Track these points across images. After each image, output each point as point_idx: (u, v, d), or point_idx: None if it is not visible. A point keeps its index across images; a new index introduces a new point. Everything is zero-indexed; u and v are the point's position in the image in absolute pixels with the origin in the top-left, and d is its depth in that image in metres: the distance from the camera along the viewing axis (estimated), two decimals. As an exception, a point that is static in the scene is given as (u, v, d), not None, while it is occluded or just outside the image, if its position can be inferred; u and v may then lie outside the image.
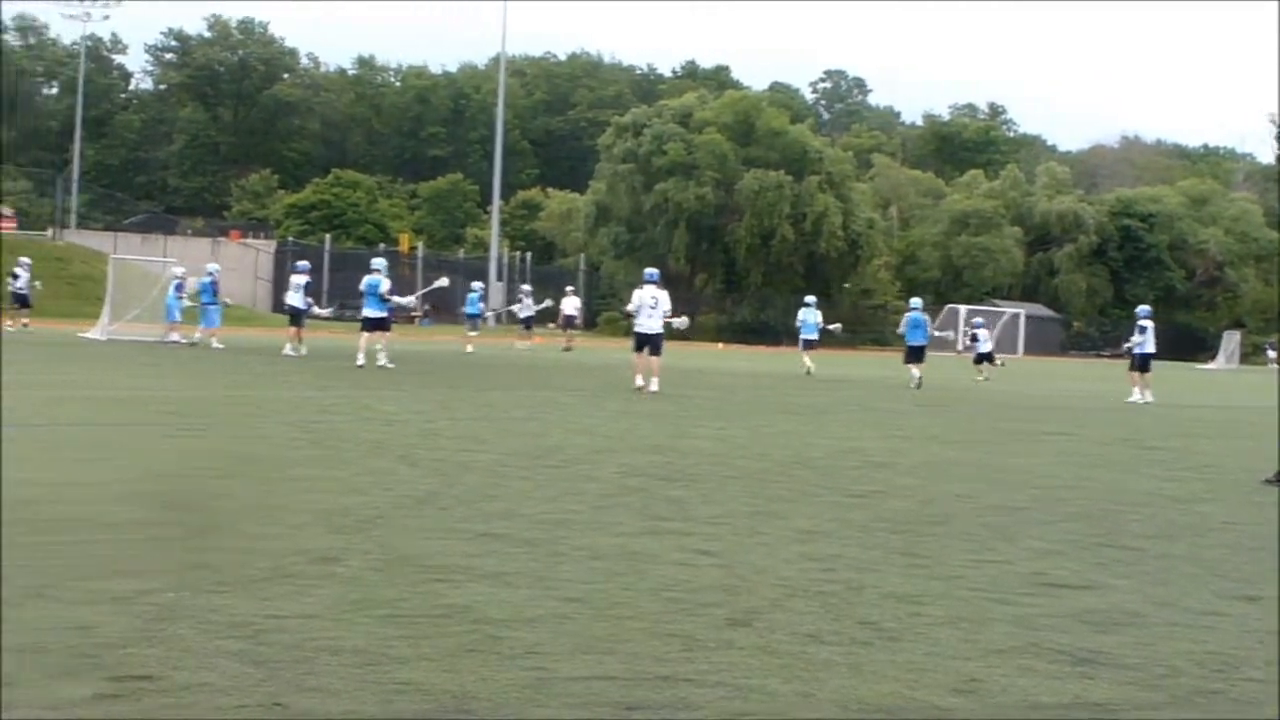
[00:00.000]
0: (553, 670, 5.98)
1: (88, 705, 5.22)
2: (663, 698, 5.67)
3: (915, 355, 36.39)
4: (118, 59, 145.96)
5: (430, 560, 8.33)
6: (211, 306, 40.14)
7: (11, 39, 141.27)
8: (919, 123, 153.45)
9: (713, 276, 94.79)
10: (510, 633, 6.61)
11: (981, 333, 44.97)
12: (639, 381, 27.33)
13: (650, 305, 27.84)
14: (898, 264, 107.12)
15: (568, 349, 51.10)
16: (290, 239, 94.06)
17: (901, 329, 37.16)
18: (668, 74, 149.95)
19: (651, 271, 29.45)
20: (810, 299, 42.47)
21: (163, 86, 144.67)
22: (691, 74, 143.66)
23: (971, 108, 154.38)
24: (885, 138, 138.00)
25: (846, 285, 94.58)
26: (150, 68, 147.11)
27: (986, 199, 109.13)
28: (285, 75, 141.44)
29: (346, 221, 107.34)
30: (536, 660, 6.13)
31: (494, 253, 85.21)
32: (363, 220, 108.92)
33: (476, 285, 50.47)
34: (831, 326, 44.52)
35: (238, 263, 79.02)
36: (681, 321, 30.23)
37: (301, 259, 43.88)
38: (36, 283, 49.49)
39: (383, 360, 31.06)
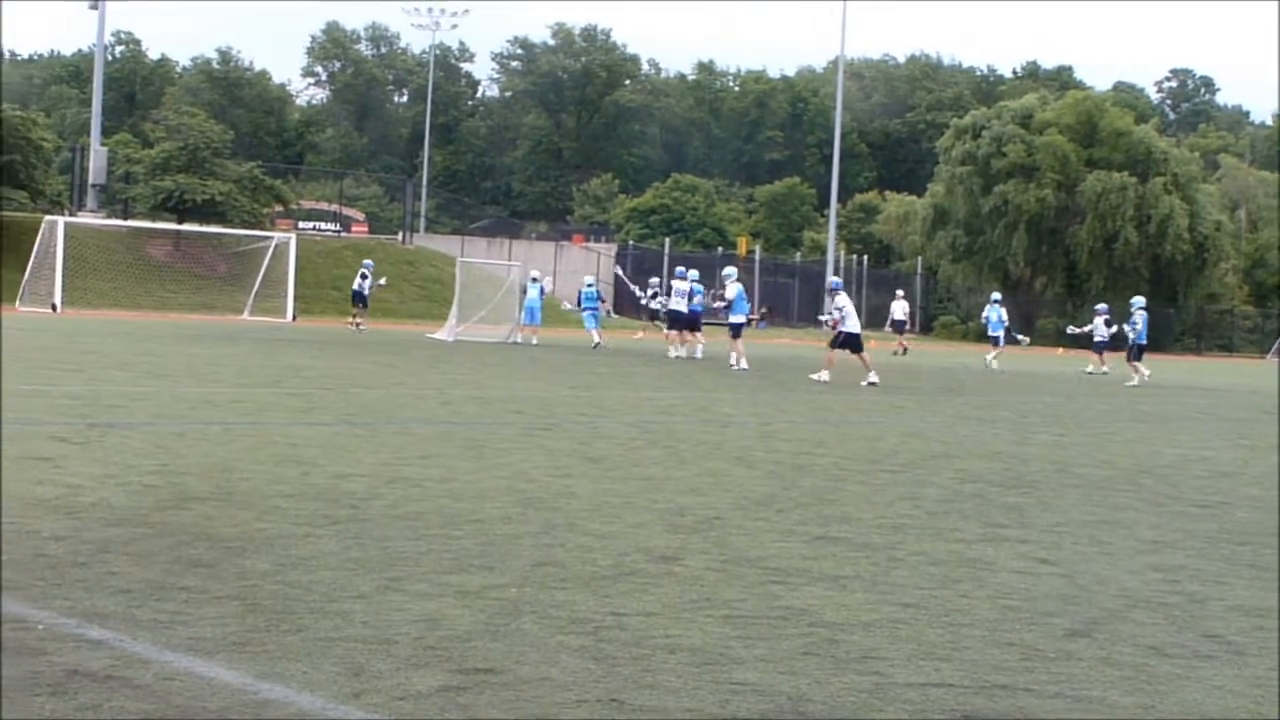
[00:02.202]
0: (889, 676, 5.98)
1: (434, 696, 5.39)
2: (1000, 707, 5.62)
3: (1138, 354, 37.08)
4: (465, 67, 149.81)
5: (768, 562, 8.39)
6: (593, 312, 41.99)
7: (364, 49, 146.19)
8: (1268, 122, 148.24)
9: (1053, 280, 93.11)
10: (847, 637, 6.62)
11: (1099, 321, 42.96)
12: (873, 378, 28.47)
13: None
14: (1246, 268, 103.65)
15: (897, 353, 50.37)
16: (631, 243, 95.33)
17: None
18: (1008, 75, 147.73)
19: (836, 280, 31.34)
20: (996, 295, 43.27)
21: (508, 93, 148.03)
22: (1032, 74, 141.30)
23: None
24: (1233, 138, 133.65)
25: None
26: (496, 75, 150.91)
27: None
28: (627, 81, 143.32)
29: (685, 225, 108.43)
30: (873, 665, 6.14)
31: (830, 256, 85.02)
32: (701, 224, 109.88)
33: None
34: (1020, 338, 45.60)
35: (580, 267, 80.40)
36: (382, 282, 31.28)
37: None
38: (382, 280, 51.19)
39: (743, 364, 32.17)
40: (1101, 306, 42.14)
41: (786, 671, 5.94)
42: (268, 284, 57.36)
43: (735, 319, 33.51)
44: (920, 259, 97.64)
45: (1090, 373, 40.09)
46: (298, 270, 57.22)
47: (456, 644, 6.12)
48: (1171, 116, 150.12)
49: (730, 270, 35.31)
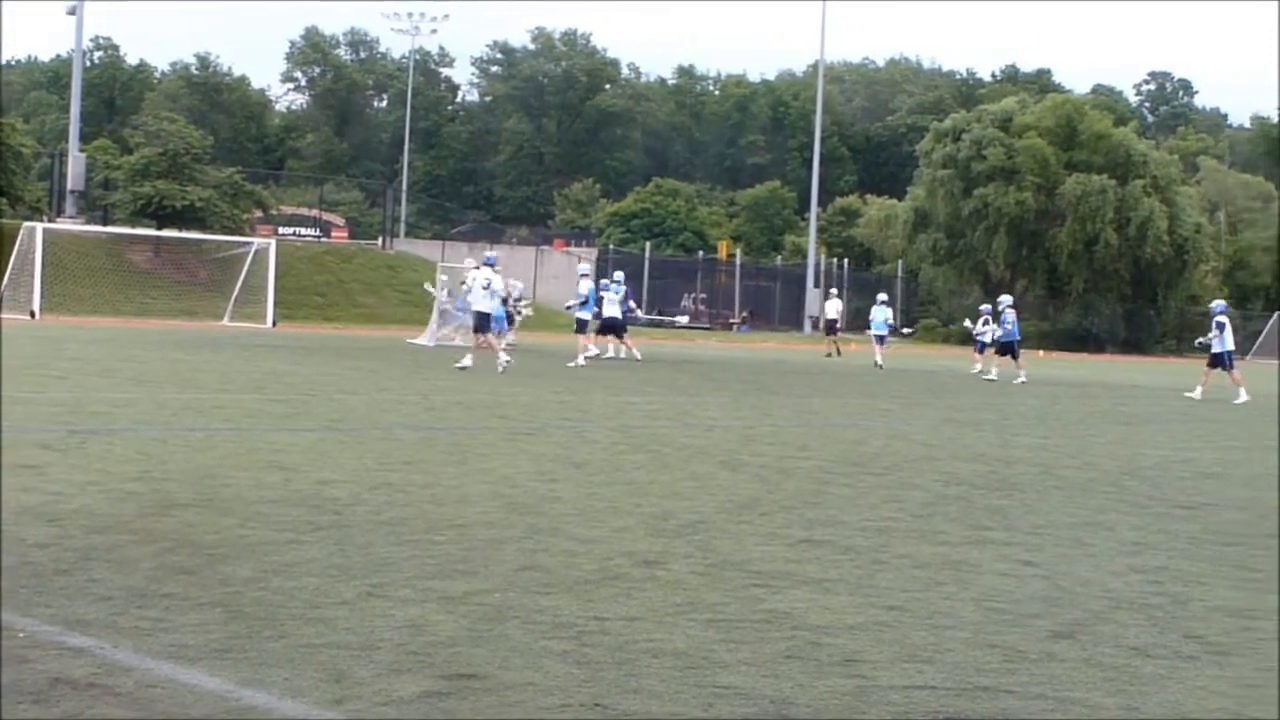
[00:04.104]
0: (872, 678, 5.99)
1: (417, 702, 5.39)
2: (983, 709, 5.63)
3: (1012, 351, 37.41)
4: (445, 72, 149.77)
5: (752, 565, 8.40)
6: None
7: (344, 54, 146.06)
8: (1247, 125, 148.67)
9: (1034, 283, 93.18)
10: (831, 640, 6.63)
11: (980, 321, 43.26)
12: (467, 362, 28.31)
13: (484, 286, 29.22)
14: (1226, 270, 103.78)
15: (830, 355, 49.03)
16: (612, 247, 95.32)
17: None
18: (987, 78, 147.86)
19: (490, 255, 30.99)
20: (882, 296, 44.50)
21: (489, 98, 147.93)
22: (1012, 78, 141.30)
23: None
24: (1212, 140, 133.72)
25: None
26: (476, 80, 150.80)
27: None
28: (608, 86, 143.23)
29: (667, 229, 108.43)
30: (856, 668, 6.14)
31: (811, 260, 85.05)
32: (683, 228, 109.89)
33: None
34: (905, 330, 45.86)
35: (562, 271, 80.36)
36: (524, 302, 31.49)
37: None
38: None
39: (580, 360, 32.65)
40: (984, 307, 42.29)
41: (770, 675, 5.95)
42: (248, 290, 57.19)
43: (582, 315, 34.32)
44: (901, 262, 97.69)
45: (978, 372, 39.85)
46: (278, 276, 57.12)
47: (440, 650, 6.12)
48: (1150, 119, 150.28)
49: (584, 268, 35.82)
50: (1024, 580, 8.36)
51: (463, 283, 31.96)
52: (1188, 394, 31.75)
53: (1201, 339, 32.81)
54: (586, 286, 34.43)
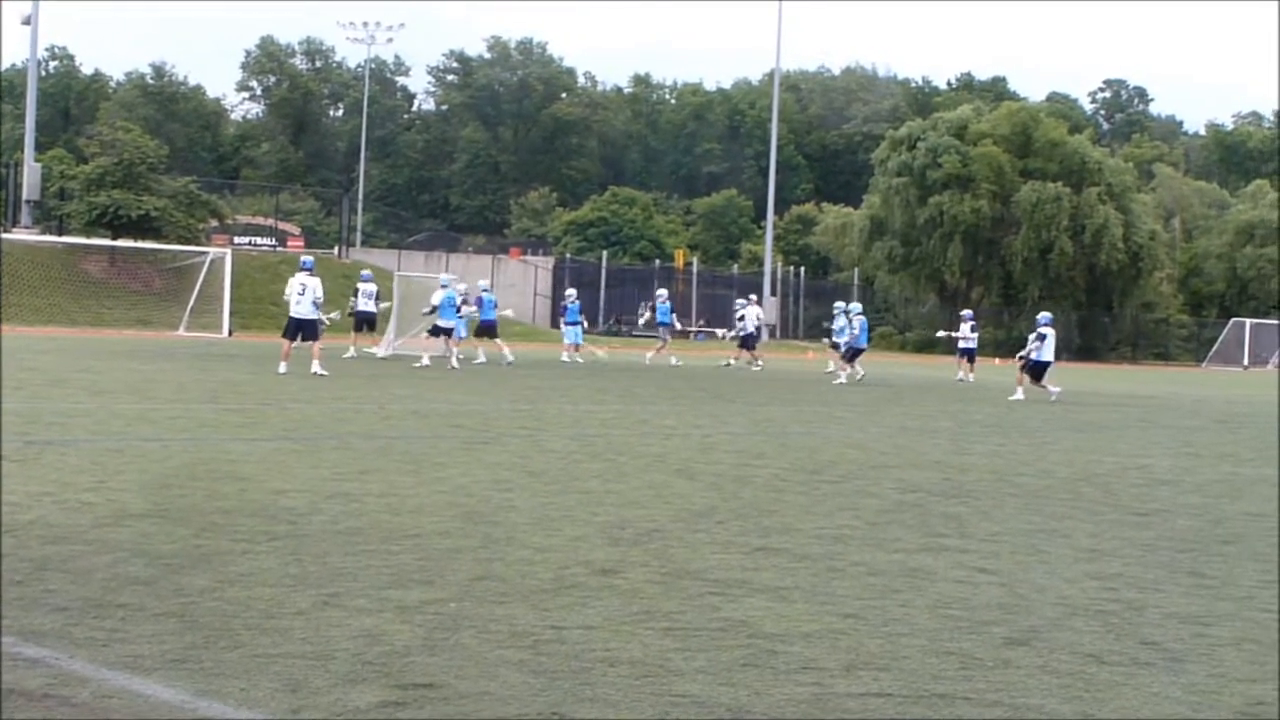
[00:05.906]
0: (828, 686, 6.00)
1: (373, 712, 5.38)
2: (939, 716, 5.65)
3: (851, 355, 38.09)
4: (401, 81, 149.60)
5: (708, 574, 8.40)
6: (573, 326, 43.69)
7: (299, 63, 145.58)
8: (1201, 132, 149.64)
9: (989, 290, 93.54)
10: (787, 647, 6.64)
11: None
12: (282, 368, 28.05)
13: (299, 293, 28.98)
14: (1181, 277, 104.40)
15: (733, 361, 44.88)
16: (568, 256, 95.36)
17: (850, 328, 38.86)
18: (943, 86, 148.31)
19: (307, 260, 30.83)
20: (839, 305, 43.82)
21: (444, 107, 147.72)
22: (967, 86, 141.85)
23: (1256, 115, 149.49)
24: (1167, 148, 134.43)
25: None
26: (432, 89, 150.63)
27: (1273, 209, 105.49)
28: (564, 94, 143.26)
29: (623, 238, 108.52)
30: (813, 676, 6.15)
31: (768, 268, 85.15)
32: (639, 237, 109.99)
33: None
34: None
35: (518, 280, 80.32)
36: (333, 316, 32.55)
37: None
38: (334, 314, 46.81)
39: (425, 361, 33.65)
40: (837, 306, 42.42)
41: (726, 683, 5.95)
42: (203, 299, 57.03)
43: (444, 323, 35.01)
44: (857, 270, 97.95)
45: (841, 376, 38.82)
46: (234, 285, 56.94)
47: (395, 659, 6.11)
48: (1105, 127, 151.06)
49: (445, 278, 37.56)
50: (979, 587, 8.39)
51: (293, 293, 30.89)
52: (1010, 397, 31.93)
53: (1022, 352, 32.99)
54: (439, 296, 35.39)
